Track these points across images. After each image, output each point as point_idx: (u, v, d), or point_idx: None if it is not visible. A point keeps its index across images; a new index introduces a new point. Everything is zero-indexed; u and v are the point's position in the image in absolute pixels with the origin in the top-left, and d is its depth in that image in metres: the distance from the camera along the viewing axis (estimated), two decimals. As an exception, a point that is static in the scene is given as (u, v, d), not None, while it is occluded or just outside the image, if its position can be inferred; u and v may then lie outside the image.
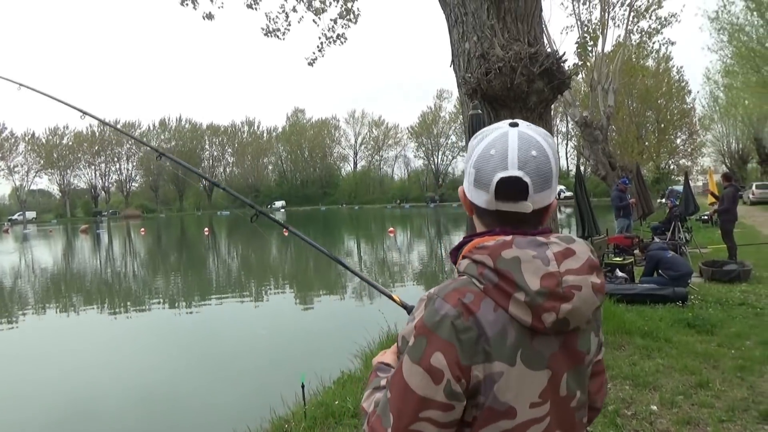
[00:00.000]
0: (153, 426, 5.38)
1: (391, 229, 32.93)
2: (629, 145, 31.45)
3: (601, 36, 17.67)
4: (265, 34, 8.35)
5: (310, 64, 8.63)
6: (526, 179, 0.98)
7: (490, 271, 0.96)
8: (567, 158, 72.70)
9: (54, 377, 6.99)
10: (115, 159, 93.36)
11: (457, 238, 25.95)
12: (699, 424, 3.63)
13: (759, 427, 3.53)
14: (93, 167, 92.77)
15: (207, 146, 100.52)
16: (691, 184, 17.35)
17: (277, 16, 8.17)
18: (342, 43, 8.34)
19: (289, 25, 8.28)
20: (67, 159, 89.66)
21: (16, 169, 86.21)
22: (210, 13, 7.91)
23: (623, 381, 4.43)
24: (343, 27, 8.36)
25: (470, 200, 1.07)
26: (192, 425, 5.26)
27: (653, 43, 20.97)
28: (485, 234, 1.03)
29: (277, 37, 8.33)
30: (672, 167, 41.78)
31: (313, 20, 8.22)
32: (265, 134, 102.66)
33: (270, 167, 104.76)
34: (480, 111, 2.32)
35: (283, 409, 4.49)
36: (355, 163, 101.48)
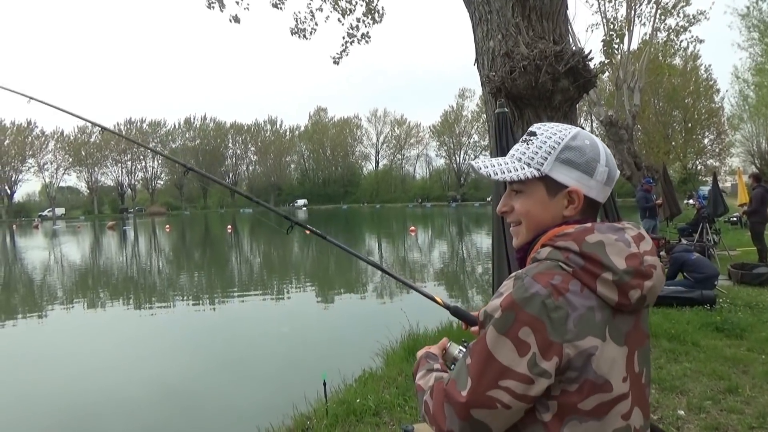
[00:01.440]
0: (175, 421, 5.46)
1: (413, 227, 32.87)
2: (655, 145, 30.88)
3: (627, 33, 17.41)
4: (292, 34, 8.40)
5: (335, 62, 8.67)
6: None
7: (576, 255, 1.03)
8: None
9: (76, 373, 7.12)
10: (141, 157, 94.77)
11: (480, 237, 25.70)
12: (728, 430, 3.55)
13: (791, 435, 3.44)
14: (120, 165, 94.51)
15: (230, 144, 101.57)
16: (720, 184, 16.95)
17: (304, 17, 8.23)
18: (367, 42, 8.35)
19: (316, 24, 8.33)
20: (95, 157, 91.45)
21: (45, 167, 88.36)
22: (236, 15, 7.97)
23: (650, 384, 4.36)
24: (366, 26, 8.37)
25: (593, 198, 1.13)
26: (214, 422, 5.31)
27: (680, 41, 20.50)
28: (563, 225, 1.11)
29: (304, 37, 8.38)
30: (699, 167, 40.96)
31: (339, 19, 8.25)
32: (287, 133, 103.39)
33: (292, 166, 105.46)
34: (506, 109, 2.31)
35: (305, 406, 4.51)
36: (377, 162, 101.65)
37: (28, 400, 6.16)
